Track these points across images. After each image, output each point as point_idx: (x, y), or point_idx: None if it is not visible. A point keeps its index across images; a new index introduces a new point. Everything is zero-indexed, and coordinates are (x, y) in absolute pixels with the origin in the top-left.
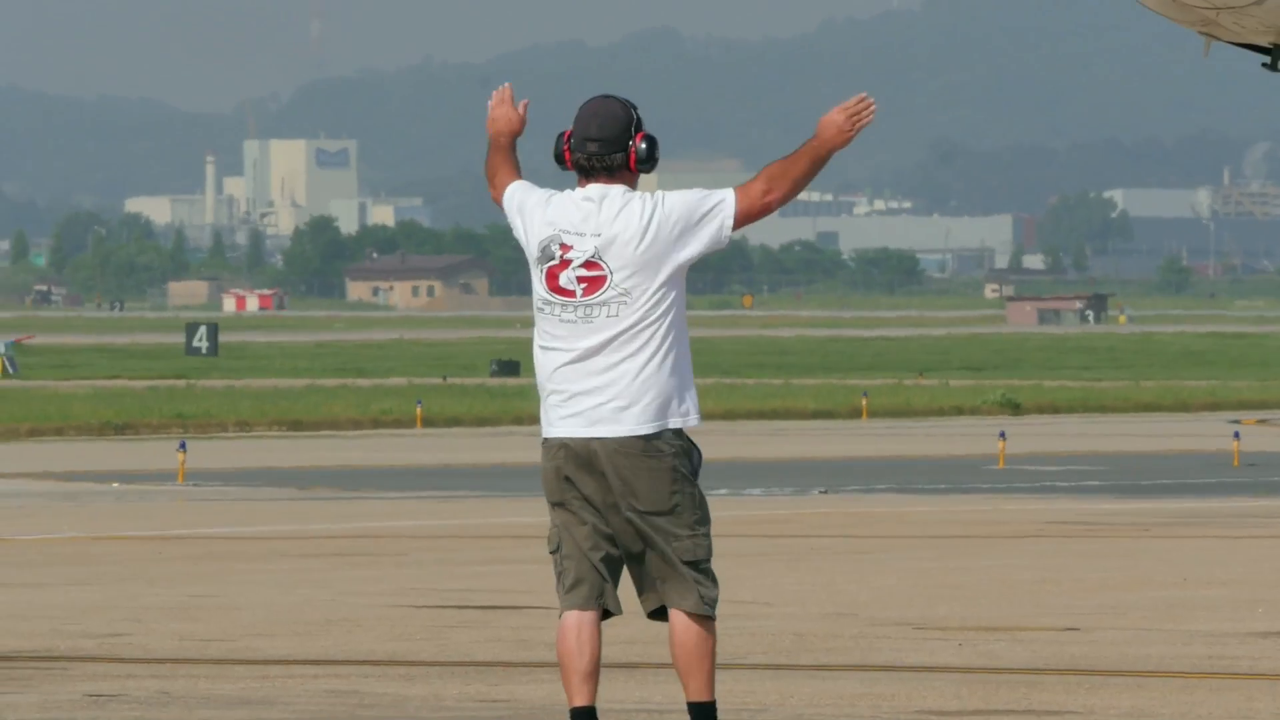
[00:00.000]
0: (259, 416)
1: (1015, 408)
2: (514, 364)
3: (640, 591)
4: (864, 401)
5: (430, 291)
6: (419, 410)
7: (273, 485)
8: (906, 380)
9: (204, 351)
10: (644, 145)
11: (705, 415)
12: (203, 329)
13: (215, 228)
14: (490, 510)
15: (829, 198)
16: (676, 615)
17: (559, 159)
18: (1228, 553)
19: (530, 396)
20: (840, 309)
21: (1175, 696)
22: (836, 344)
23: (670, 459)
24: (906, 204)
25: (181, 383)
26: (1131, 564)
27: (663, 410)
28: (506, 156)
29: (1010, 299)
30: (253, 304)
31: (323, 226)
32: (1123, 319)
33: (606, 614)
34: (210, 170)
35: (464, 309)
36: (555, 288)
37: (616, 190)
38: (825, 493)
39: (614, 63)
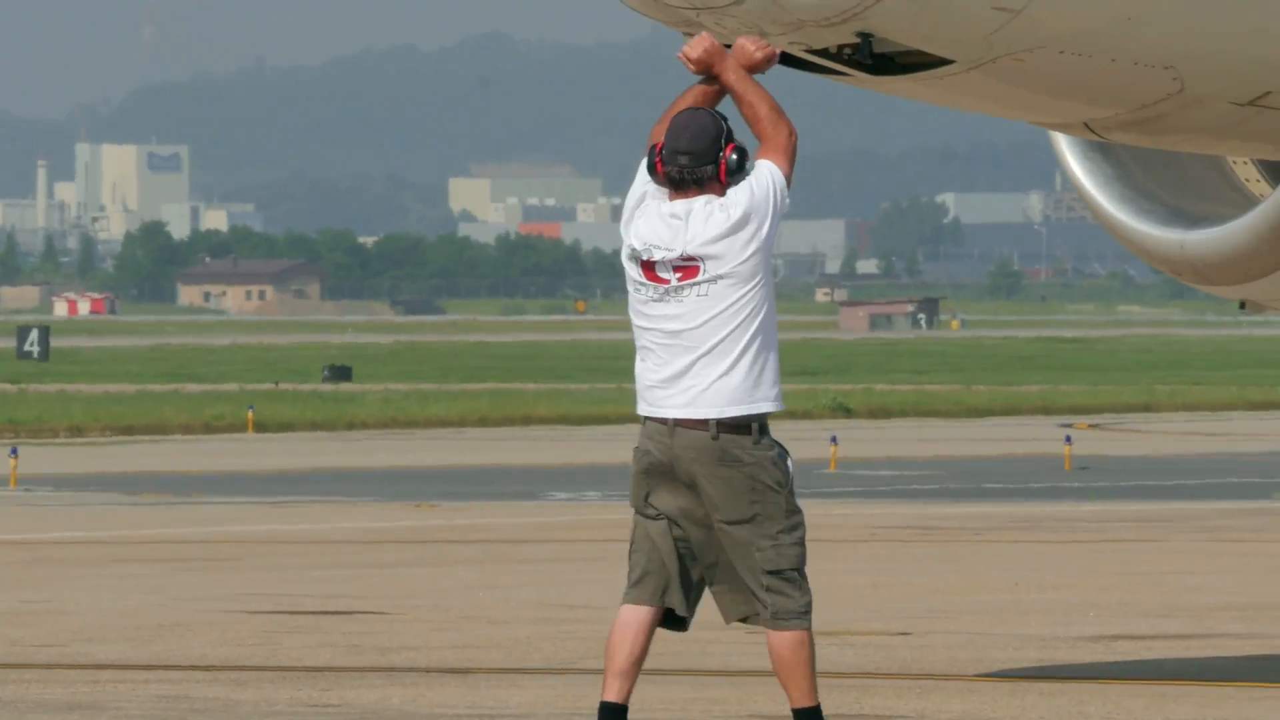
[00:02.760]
0: (91, 421)
1: (847, 412)
2: (346, 369)
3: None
4: None
5: (262, 296)
6: (250, 415)
7: (105, 490)
8: None
9: (35, 356)
10: (734, 156)
11: (538, 421)
12: (34, 333)
13: (47, 232)
14: (322, 515)
15: None
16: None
17: (651, 170)
18: (1059, 557)
19: (361, 401)
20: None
21: (1006, 700)
22: None
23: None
24: None
25: (13, 388)
26: (963, 568)
27: None
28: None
29: (842, 303)
30: (84, 308)
31: (154, 231)
32: (955, 323)
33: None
34: (42, 174)
35: (296, 314)
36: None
37: (700, 202)
38: None
39: (447, 66)
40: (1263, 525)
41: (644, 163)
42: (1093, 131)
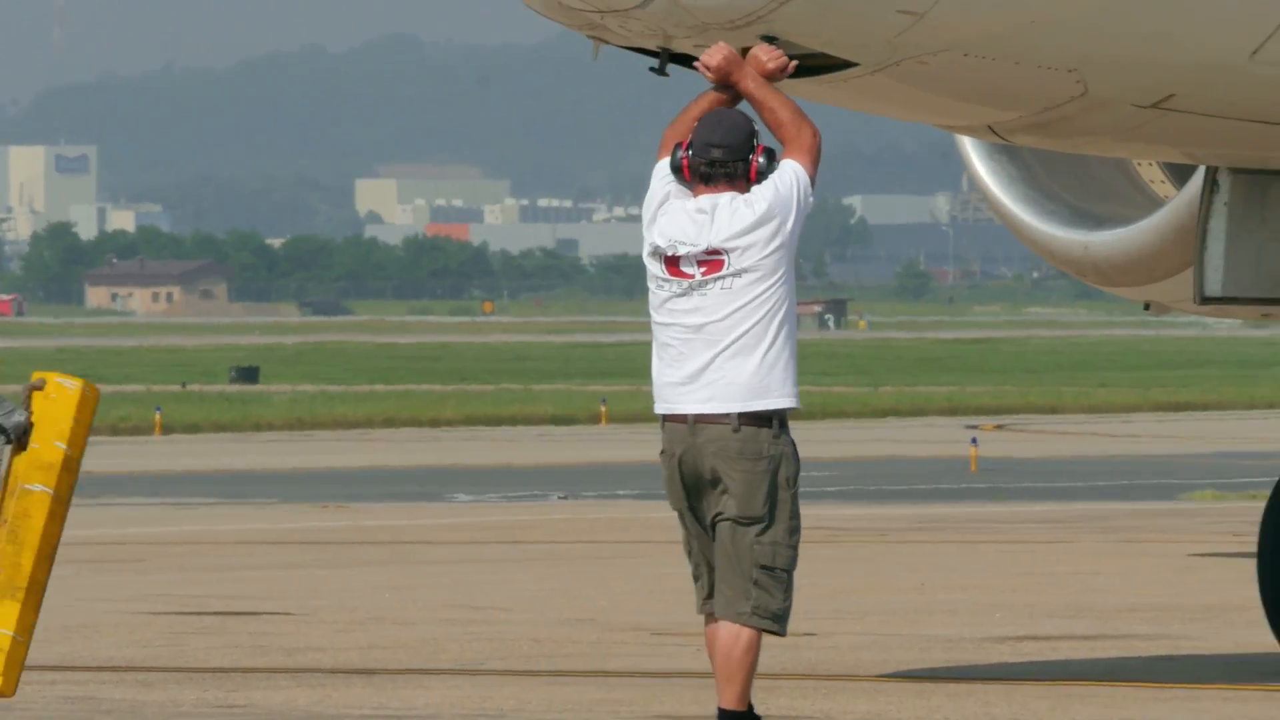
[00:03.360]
0: None
1: None
2: (253, 371)
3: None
4: (603, 408)
5: (169, 297)
6: (158, 417)
7: None
8: (646, 386)
9: None
10: (763, 159)
11: (445, 422)
12: None
13: None
14: (229, 517)
15: (569, 204)
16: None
17: (677, 170)
18: (966, 558)
19: (268, 403)
20: (581, 314)
21: (912, 701)
22: (576, 350)
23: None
24: None
25: None
26: (869, 569)
27: None
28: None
29: None
30: None
31: (61, 232)
32: (862, 324)
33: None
34: None
35: (204, 315)
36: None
37: (725, 198)
38: (565, 498)
39: (355, 69)
40: (1168, 526)
41: (663, 164)
42: (997, 134)
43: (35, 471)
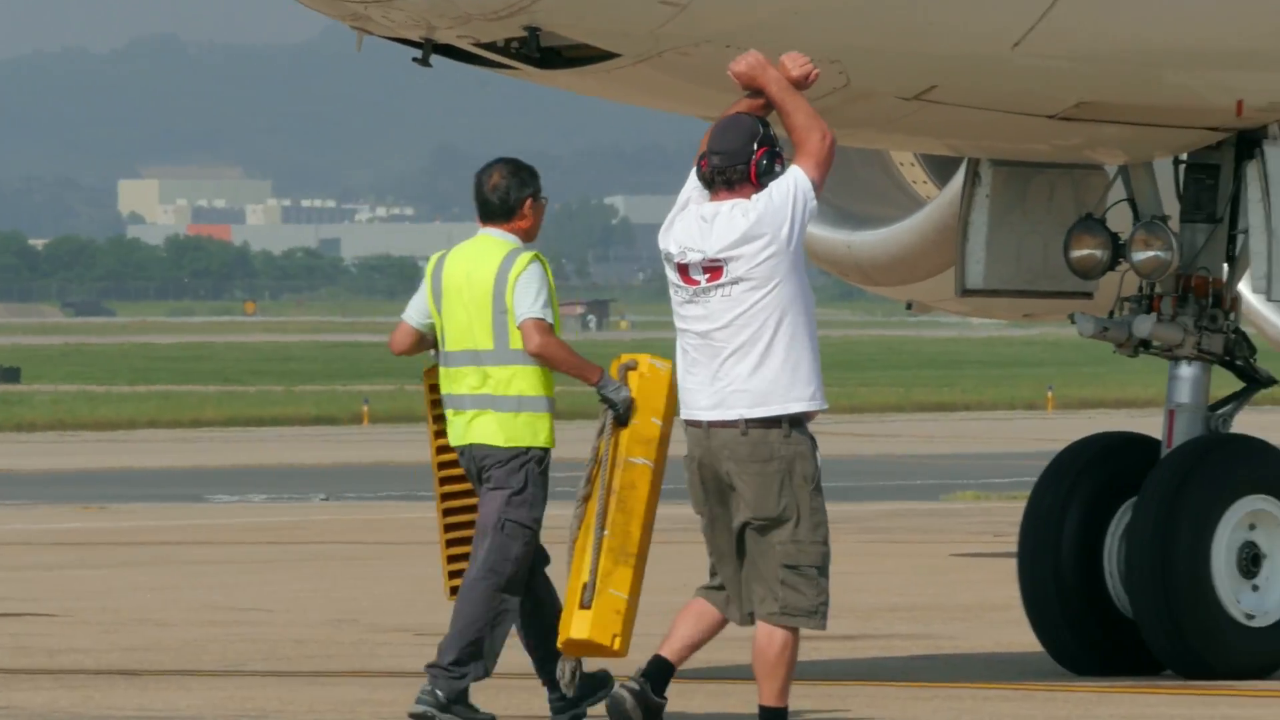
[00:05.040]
0: None
1: None
2: (14, 371)
3: None
4: (365, 408)
5: None
6: None
7: None
8: (408, 386)
9: None
10: (764, 160)
11: (207, 423)
12: None
13: None
14: None
15: (331, 204)
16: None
17: (699, 173)
18: None
19: (29, 403)
20: (343, 314)
21: (673, 700)
22: (338, 350)
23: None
24: (409, 210)
25: None
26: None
27: None
28: None
29: None
30: None
31: None
32: (624, 324)
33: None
34: None
35: None
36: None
37: (726, 206)
38: (327, 499)
39: (118, 69)
40: (929, 526)
41: (695, 169)
42: None
43: (636, 445)
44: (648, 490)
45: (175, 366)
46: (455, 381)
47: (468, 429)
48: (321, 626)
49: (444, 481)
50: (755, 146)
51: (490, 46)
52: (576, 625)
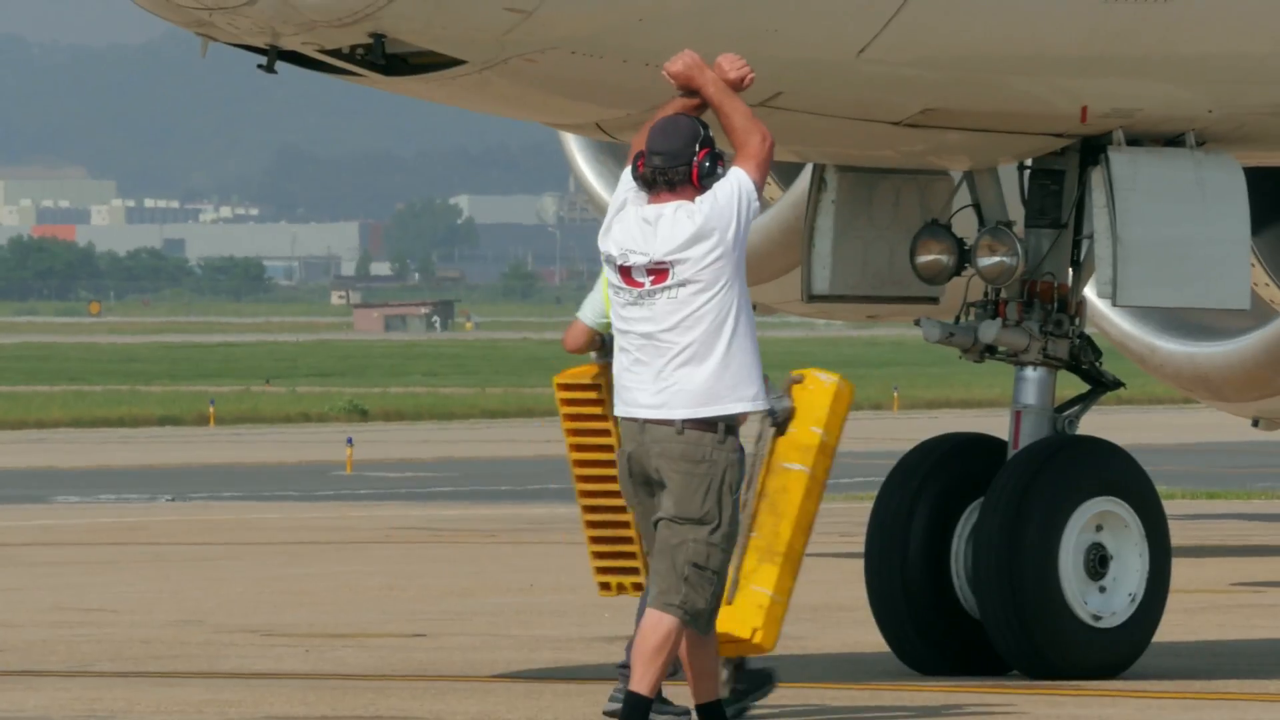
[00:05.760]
0: None
1: (363, 414)
2: None
3: None
4: (211, 409)
5: None
6: None
7: None
8: (254, 387)
9: None
10: (706, 162)
11: (52, 423)
12: None
13: None
14: None
15: (175, 205)
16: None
17: (635, 174)
18: (573, 558)
19: None
20: (188, 315)
21: (522, 702)
22: (184, 350)
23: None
24: (254, 211)
25: None
26: (478, 569)
27: None
28: None
29: (357, 306)
30: None
31: None
32: (469, 325)
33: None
34: None
35: None
36: None
37: (670, 208)
38: (172, 500)
39: None
40: None
41: (627, 169)
42: (605, 132)
43: (793, 452)
44: (801, 494)
45: (20, 367)
46: None
47: None
48: (168, 627)
49: (583, 480)
50: (697, 148)
51: (336, 53)
52: (720, 620)
